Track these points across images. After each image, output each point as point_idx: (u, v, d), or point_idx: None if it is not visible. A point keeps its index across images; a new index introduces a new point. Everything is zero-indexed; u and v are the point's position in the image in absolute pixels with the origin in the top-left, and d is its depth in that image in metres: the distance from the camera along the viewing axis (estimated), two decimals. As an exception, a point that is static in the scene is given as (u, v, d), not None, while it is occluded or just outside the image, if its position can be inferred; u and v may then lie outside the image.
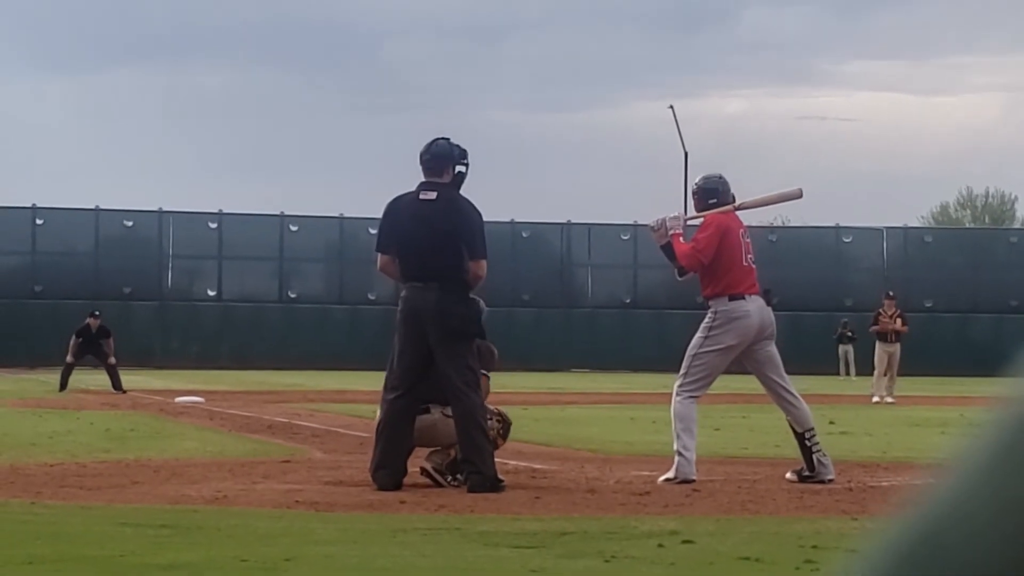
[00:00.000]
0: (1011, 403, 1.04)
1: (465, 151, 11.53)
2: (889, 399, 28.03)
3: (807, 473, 11.61)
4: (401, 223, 11.29)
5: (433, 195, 11.28)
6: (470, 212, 11.34)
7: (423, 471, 11.15)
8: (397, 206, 11.47)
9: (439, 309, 10.96)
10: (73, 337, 31.16)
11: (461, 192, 11.43)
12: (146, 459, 13.37)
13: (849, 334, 49.18)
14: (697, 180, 12.31)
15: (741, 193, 12.28)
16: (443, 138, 11.57)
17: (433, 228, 11.13)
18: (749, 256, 11.89)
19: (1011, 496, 0.98)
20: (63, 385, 30.10)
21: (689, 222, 12.22)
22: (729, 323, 11.61)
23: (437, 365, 11.06)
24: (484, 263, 11.21)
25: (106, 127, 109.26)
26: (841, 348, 49.70)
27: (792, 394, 11.73)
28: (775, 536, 8.51)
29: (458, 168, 11.42)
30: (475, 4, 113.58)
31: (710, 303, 11.78)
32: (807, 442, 11.66)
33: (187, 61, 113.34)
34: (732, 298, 11.68)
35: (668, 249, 11.95)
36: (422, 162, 11.43)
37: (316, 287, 55.62)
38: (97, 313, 32.08)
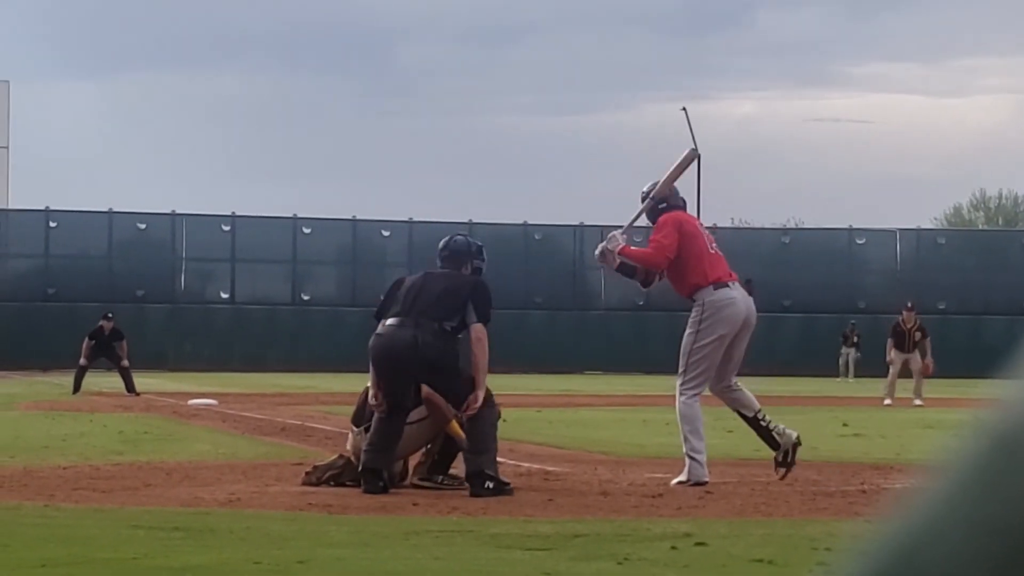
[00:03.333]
0: (986, 421, 1.04)
1: (481, 247, 11.85)
2: (918, 401, 28.08)
3: (780, 458, 11.58)
4: (405, 284, 11.41)
5: (452, 270, 11.49)
6: (484, 283, 11.50)
7: (414, 485, 11.21)
8: (405, 278, 11.71)
9: (414, 344, 10.96)
10: (86, 340, 31.20)
11: None
12: (159, 462, 13.38)
13: (855, 339, 49.31)
14: (645, 187, 12.29)
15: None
16: (460, 234, 12.07)
17: (438, 285, 11.28)
18: (713, 244, 11.88)
19: (986, 515, 0.98)
20: (76, 388, 30.14)
21: (633, 227, 12.20)
22: (718, 312, 11.55)
23: (440, 392, 11.08)
24: (483, 328, 11.14)
25: (119, 130, 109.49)
26: (843, 350, 49.80)
27: (735, 382, 11.74)
28: (788, 538, 8.50)
29: (476, 263, 11.66)
30: (488, 7, 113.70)
31: (695, 297, 11.67)
32: (761, 423, 11.67)
33: (201, 65, 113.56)
34: (716, 287, 11.61)
35: (625, 267, 11.96)
36: (440, 257, 11.67)
37: (329, 290, 55.65)
38: (110, 315, 32.10)
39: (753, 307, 11.88)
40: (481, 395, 10.99)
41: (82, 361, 30.86)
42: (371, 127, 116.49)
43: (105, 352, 31.01)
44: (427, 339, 10.95)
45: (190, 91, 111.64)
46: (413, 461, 11.54)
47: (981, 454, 1.01)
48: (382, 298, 11.59)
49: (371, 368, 11.25)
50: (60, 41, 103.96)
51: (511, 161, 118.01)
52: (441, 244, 11.75)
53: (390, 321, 11.20)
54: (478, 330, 11.12)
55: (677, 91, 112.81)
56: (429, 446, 11.43)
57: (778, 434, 11.62)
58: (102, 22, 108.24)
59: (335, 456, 11.65)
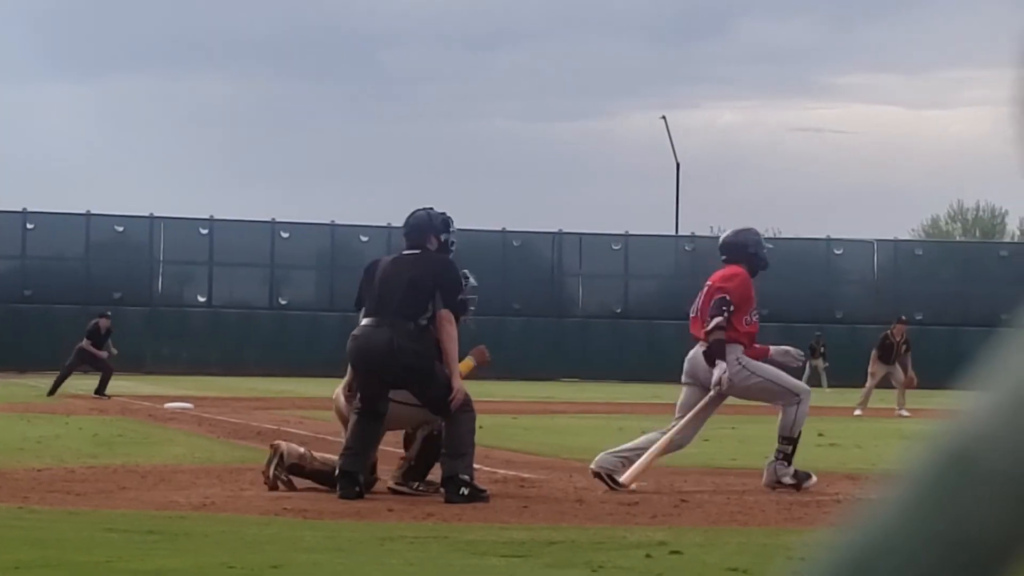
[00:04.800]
0: (940, 437, 1.05)
1: (449, 220, 11.49)
2: (904, 412, 28.17)
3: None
4: (377, 273, 11.29)
5: (416, 251, 11.31)
6: (449, 266, 11.25)
7: (390, 490, 11.22)
8: (377, 262, 11.53)
9: (390, 348, 10.86)
10: (86, 341, 30.92)
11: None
12: (134, 465, 13.35)
13: (822, 349, 49.51)
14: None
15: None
16: (423, 209, 11.56)
17: (405, 273, 11.08)
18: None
19: (939, 529, 0.99)
20: (54, 390, 29.99)
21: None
22: None
23: (416, 397, 11.05)
24: (450, 314, 10.99)
25: (98, 132, 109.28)
26: (810, 363, 50.00)
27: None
28: (763, 548, 8.51)
29: (443, 236, 11.38)
30: (470, 13, 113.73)
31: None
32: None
33: (180, 67, 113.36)
34: None
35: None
36: (404, 235, 11.47)
37: (307, 294, 55.61)
38: (109, 313, 32.21)
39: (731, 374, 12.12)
40: (457, 383, 10.95)
41: (72, 361, 30.69)
42: (351, 131, 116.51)
43: (98, 350, 30.99)
44: (402, 342, 10.89)
45: (169, 94, 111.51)
46: (387, 463, 11.53)
47: (935, 470, 1.02)
48: (359, 284, 11.48)
49: (349, 366, 11.27)
50: (38, 43, 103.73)
51: (490, 167, 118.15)
52: (404, 221, 11.50)
53: (365, 321, 11.13)
54: (444, 316, 10.95)
55: (660, 99, 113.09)
56: (406, 453, 11.43)
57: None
58: (81, 25, 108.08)
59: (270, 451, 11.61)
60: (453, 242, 11.46)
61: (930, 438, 1.04)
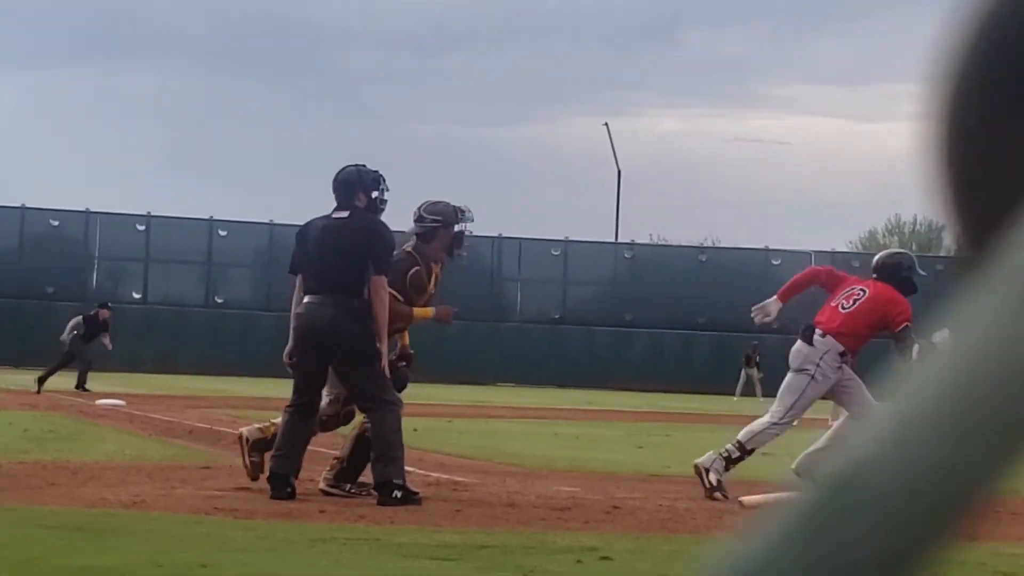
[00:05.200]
0: (826, 463, 1.05)
1: (380, 177, 11.30)
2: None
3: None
4: (310, 241, 11.19)
5: (345, 214, 11.17)
6: (380, 230, 11.11)
7: (322, 491, 11.16)
8: (309, 226, 11.37)
9: (332, 328, 10.76)
10: (81, 323, 30.97)
11: (381, 218, 11.31)
12: (64, 461, 13.25)
13: (756, 359, 49.72)
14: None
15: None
16: (354, 165, 11.35)
17: (338, 242, 10.93)
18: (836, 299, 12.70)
19: (818, 557, 0.99)
20: (80, 385, 30.09)
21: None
22: None
23: (344, 381, 10.98)
24: (384, 280, 10.90)
25: (35, 125, 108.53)
26: (745, 372, 50.15)
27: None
28: (694, 555, 8.52)
29: (374, 194, 11.21)
30: (414, 17, 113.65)
31: None
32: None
33: (119, 62, 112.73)
34: None
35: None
36: (332, 190, 11.27)
37: (243, 293, 55.41)
38: (110, 304, 32.26)
39: (796, 347, 12.86)
40: (385, 349, 10.90)
41: (82, 356, 30.72)
42: (291, 131, 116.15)
43: (89, 341, 31.17)
44: (346, 322, 10.76)
45: (108, 88, 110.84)
46: (319, 464, 11.48)
47: (816, 497, 1.02)
48: (293, 250, 11.31)
49: (291, 337, 11.11)
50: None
51: (431, 170, 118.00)
52: (334, 177, 11.26)
53: (308, 298, 10.99)
54: (377, 282, 10.81)
55: (601, 106, 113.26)
56: (338, 455, 11.39)
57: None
58: (17, 17, 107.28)
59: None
60: (384, 200, 11.28)
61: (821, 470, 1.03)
